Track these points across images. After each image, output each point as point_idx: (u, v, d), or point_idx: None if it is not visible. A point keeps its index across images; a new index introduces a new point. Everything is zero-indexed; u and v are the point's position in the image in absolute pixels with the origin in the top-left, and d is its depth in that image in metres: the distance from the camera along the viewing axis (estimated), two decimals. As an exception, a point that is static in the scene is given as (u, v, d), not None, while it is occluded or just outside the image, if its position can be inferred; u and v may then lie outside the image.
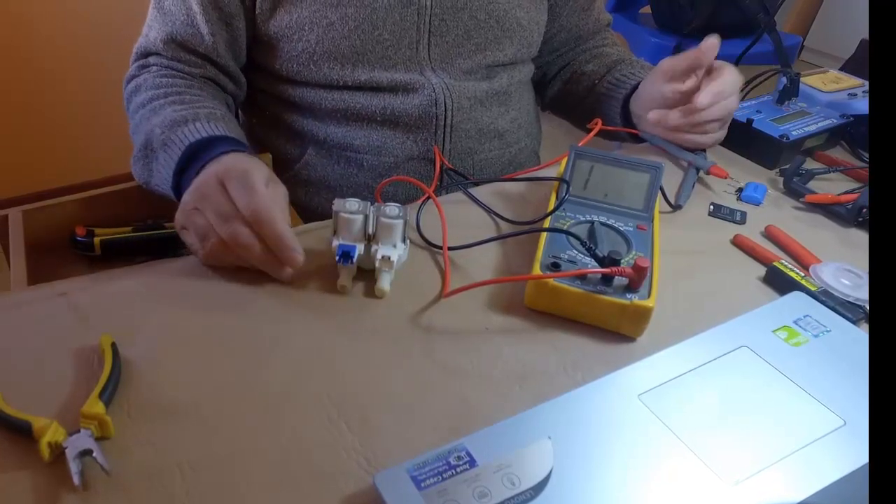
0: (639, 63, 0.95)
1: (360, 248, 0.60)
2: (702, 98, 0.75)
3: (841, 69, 1.06)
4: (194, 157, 0.66)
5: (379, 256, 0.60)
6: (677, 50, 1.90)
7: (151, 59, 0.81)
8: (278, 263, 0.59)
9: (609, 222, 0.65)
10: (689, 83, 0.79)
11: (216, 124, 0.69)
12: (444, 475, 0.41)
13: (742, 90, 0.97)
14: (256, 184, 0.58)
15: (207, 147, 0.66)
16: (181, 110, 0.71)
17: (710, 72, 0.78)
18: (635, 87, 0.88)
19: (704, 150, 0.86)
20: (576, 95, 1.00)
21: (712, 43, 0.76)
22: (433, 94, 0.83)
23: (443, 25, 0.83)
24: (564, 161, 0.71)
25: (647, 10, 2.19)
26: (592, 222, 0.65)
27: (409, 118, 0.83)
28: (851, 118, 0.89)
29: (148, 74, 0.79)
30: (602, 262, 0.57)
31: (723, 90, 0.76)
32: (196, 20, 0.79)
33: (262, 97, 0.90)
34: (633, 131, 0.88)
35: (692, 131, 0.81)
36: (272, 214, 0.57)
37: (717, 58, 0.81)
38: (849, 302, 0.61)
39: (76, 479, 0.43)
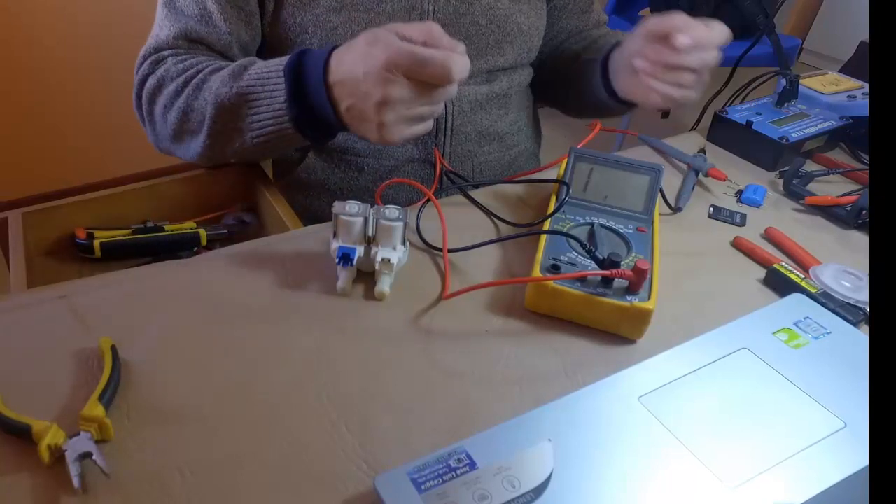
0: (620, 33, 0.94)
1: (360, 251, 0.60)
2: (681, 38, 0.70)
3: (840, 71, 1.06)
4: (299, 69, 0.65)
5: (379, 259, 0.60)
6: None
7: (165, 53, 0.78)
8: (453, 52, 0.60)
9: (609, 224, 0.65)
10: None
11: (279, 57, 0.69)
12: (445, 478, 0.41)
13: (741, 92, 0.97)
14: (403, 28, 0.59)
15: (305, 56, 0.66)
16: (232, 68, 0.70)
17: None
18: (614, 48, 0.85)
19: (703, 152, 0.86)
20: (561, 70, 0.98)
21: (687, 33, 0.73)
22: None
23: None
24: (564, 163, 0.71)
25: (646, 12, 2.19)
26: (592, 224, 0.65)
27: None
28: (851, 120, 0.89)
29: (166, 65, 0.76)
30: (602, 264, 0.57)
31: (705, 38, 0.71)
32: (213, 18, 0.77)
33: None
34: (633, 133, 0.88)
35: (665, 78, 0.75)
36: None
37: None
38: (849, 304, 0.61)
39: (76, 482, 0.43)
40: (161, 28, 0.80)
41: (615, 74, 0.85)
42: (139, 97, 0.79)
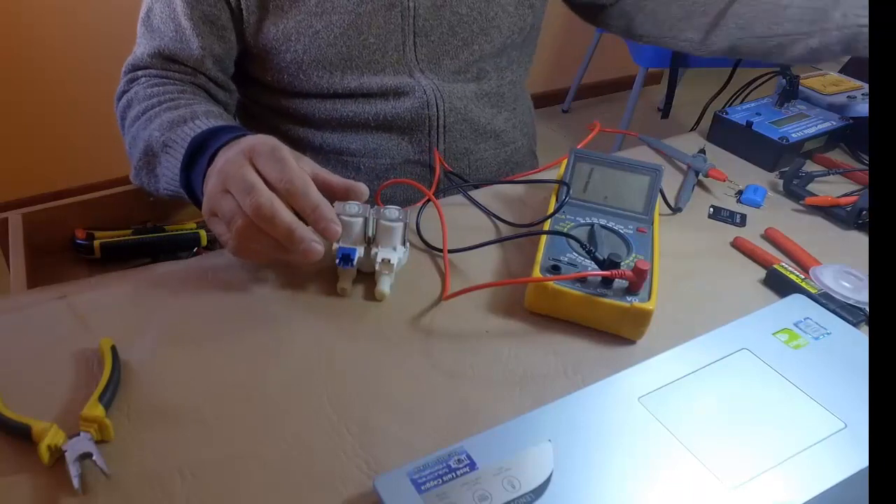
0: None
1: (360, 251, 0.60)
2: None
3: (840, 72, 1.06)
4: (201, 150, 0.64)
5: (379, 259, 0.60)
6: (677, 53, 1.90)
7: (140, 73, 0.81)
8: (308, 241, 0.54)
9: (609, 225, 0.65)
10: None
11: (215, 119, 0.69)
12: (445, 478, 0.41)
13: (741, 92, 0.98)
14: (287, 157, 0.55)
15: (212, 138, 0.64)
16: (178, 113, 0.71)
17: None
18: None
19: (703, 153, 0.86)
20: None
21: None
22: (424, 96, 0.83)
23: (427, 25, 0.83)
24: (564, 163, 0.71)
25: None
26: (592, 225, 0.65)
27: (402, 122, 0.83)
28: (851, 120, 0.89)
29: (138, 86, 0.79)
30: (602, 264, 0.58)
31: None
32: (186, 35, 0.78)
33: (257, 108, 0.91)
34: (632, 133, 0.88)
35: None
36: (307, 185, 0.54)
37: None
38: (849, 304, 0.61)
39: (76, 483, 0.43)
40: (138, 45, 0.83)
41: None
42: (116, 109, 0.82)
